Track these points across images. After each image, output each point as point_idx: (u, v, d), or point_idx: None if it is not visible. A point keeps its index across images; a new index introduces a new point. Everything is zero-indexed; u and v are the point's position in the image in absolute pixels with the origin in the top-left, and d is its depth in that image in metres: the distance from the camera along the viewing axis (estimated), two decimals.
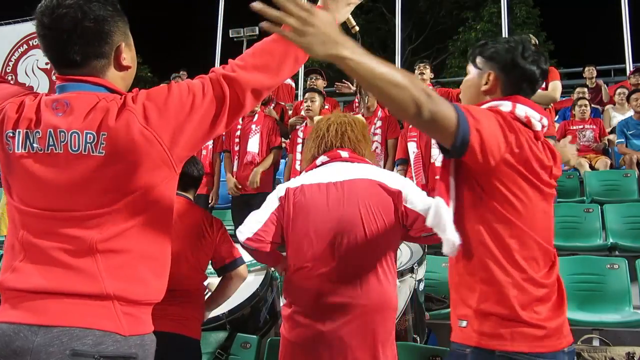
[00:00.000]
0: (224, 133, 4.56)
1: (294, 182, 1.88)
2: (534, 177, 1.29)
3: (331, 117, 2.00)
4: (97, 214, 1.07)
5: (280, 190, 1.89)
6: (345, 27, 1.31)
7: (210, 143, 4.48)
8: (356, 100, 4.50)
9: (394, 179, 1.82)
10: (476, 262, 1.31)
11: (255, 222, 1.83)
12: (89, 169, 1.07)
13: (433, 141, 3.94)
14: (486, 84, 1.43)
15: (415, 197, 1.76)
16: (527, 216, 1.29)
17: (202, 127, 1.14)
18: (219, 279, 2.32)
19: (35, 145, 1.10)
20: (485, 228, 1.29)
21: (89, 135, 1.07)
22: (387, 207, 1.75)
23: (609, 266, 3.15)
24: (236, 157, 4.36)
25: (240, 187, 4.25)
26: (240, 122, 4.48)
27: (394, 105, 1.13)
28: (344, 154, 1.87)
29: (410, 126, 4.14)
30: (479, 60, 1.47)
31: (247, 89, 1.15)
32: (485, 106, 1.34)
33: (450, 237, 1.27)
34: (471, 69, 1.50)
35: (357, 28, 1.49)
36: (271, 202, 1.87)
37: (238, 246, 2.43)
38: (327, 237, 1.71)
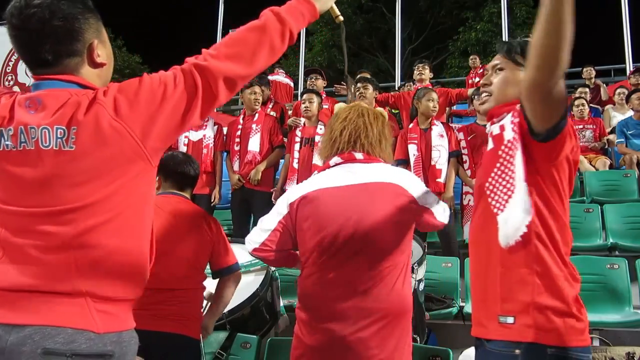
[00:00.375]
0: (224, 132, 4.57)
1: (306, 186, 1.82)
2: (572, 178, 1.34)
3: (348, 116, 1.88)
4: (71, 209, 1.06)
5: (290, 195, 1.83)
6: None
7: (211, 142, 4.48)
8: (356, 100, 4.50)
9: (410, 181, 1.80)
10: (532, 254, 1.27)
11: (262, 232, 1.80)
12: (60, 164, 1.06)
13: (433, 144, 3.95)
14: None
15: (428, 197, 1.80)
16: (566, 213, 1.33)
17: (174, 118, 1.12)
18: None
19: (8, 143, 1.09)
20: (540, 219, 1.28)
21: (59, 130, 1.06)
22: (404, 209, 1.73)
23: (609, 266, 3.15)
24: (237, 156, 4.37)
25: (242, 182, 4.26)
26: (241, 121, 4.48)
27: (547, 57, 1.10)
28: (358, 155, 1.81)
29: (411, 126, 4.15)
30: (523, 60, 1.43)
31: (219, 78, 1.14)
32: None
33: (516, 225, 1.24)
34: (510, 65, 1.46)
35: (341, 18, 1.47)
36: (280, 208, 1.82)
37: (234, 247, 2.44)
38: (344, 242, 1.68)
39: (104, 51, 1.21)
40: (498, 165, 1.30)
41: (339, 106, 1.99)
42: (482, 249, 1.37)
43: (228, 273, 2.30)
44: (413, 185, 1.78)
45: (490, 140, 1.39)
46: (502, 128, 1.34)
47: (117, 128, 1.07)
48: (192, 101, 1.13)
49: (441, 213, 1.84)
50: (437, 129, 4.01)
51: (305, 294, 1.75)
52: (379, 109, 1.97)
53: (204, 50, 1.18)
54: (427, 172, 3.91)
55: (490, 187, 1.31)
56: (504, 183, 1.29)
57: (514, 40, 1.51)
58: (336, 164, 1.83)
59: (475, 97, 4.16)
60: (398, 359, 1.66)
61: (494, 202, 1.30)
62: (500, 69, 1.48)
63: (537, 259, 1.27)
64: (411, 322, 1.75)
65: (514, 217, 1.24)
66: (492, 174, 1.32)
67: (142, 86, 1.11)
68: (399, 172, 1.85)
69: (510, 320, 1.26)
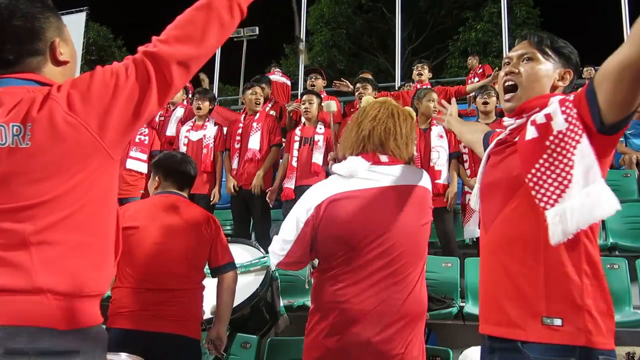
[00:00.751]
0: (226, 131, 4.57)
1: (331, 188, 1.73)
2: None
3: (377, 116, 1.80)
4: (29, 205, 1.05)
5: (314, 198, 1.73)
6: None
7: (211, 142, 4.48)
8: (357, 101, 4.50)
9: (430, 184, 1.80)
10: (581, 253, 1.21)
11: (284, 243, 1.74)
12: (18, 161, 1.05)
13: (432, 144, 3.95)
14: (561, 80, 1.41)
15: None
16: None
17: (129, 108, 1.10)
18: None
19: None
20: None
21: (15, 127, 1.06)
22: (427, 213, 1.74)
23: (609, 266, 3.15)
24: (236, 154, 4.36)
25: (237, 189, 4.25)
26: (242, 120, 4.49)
27: None
28: (383, 158, 1.76)
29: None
30: (552, 54, 1.41)
31: (171, 62, 1.12)
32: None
33: (579, 222, 1.15)
34: (540, 58, 1.41)
35: (301, 46, 1.43)
36: (299, 215, 1.72)
37: (234, 247, 2.43)
38: (371, 246, 1.65)
39: (66, 49, 1.20)
40: (545, 156, 1.20)
41: (367, 100, 1.91)
42: (515, 246, 1.27)
43: (225, 271, 2.30)
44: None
45: (531, 129, 1.27)
46: (548, 117, 1.23)
47: (71, 123, 1.06)
48: (146, 90, 1.11)
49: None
50: (437, 130, 4.01)
51: (327, 296, 1.69)
52: (408, 108, 1.90)
53: (153, 37, 1.16)
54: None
55: (535, 180, 1.20)
56: (553, 176, 1.19)
57: (542, 32, 1.47)
58: None
59: (479, 95, 4.15)
60: (420, 357, 1.68)
61: (539, 196, 1.19)
62: (529, 59, 1.41)
63: (587, 258, 1.21)
64: (424, 323, 1.76)
65: (575, 212, 1.14)
66: (538, 165, 1.21)
67: (93, 79, 1.09)
68: (424, 174, 1.81)
69: (558, 322, 1.18)
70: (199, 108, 4.55)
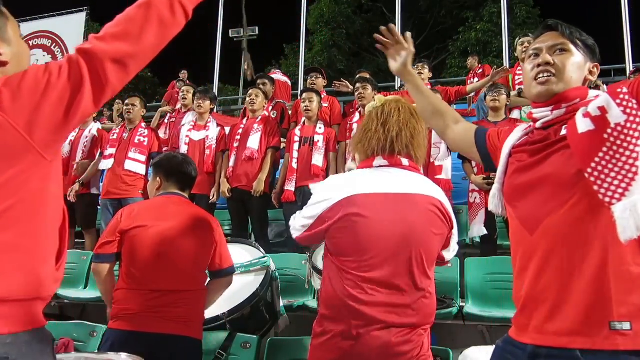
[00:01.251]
0: (228, 132, 4.56)
1: (350, 187, 1.70)
2: None
3: (401, 117, 1.79)
4: None
5: (333, 193, 1.71)
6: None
7: (214, 143, 4.48)
8: (357, 101, 4.49)
9: (447, 202, 1.77)
10: None
11: (305, 219, 1.75)
12: None
13: (434, 140, 3.94)
14: (591, 74, 1.37)
15: (455, 225, 1.80)
16: None
17: (60, 108, 1.06)
18: None
19: None
20: None
21: None
22: (443, 226, 1.73)
23: None
24: (234, 152, 4.33)
25: (230, 194, 4.24)
26: (244, 122, 4.48)
27: None
28: (405, 161, 1.76)
29: None
30: (582, 46, 1.35)
31: (105, 60, 1.09)
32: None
33: None
34: (574, 50, 1.35)
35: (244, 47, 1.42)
36: (320, 201, 1.73)
37: (234, 247, 2.43)
38: (388, 253, 1.64)
39: (8, 49, 1.17)
40: (605, 149, 1.13)
41: (380, 98, 1.88)
42: (576, 247, 1.17)
43: (224, 275, 2.31)
44: (449, 207, 1.77)
45: (585, 121, 1.19)
46: (602, 110, 1.15)
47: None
48: (78, 89, 1.08)
49: (454, 249, 1.84)
50: None
51: (340, 299, 1.65)
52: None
53: (91, 35, 1.14)
54: (427, 168, 3.88)
55: (596, 174, 1.13)
56: (617, 169, 1.11)
57: (569, 26, 1.39)
58: (380, 166, 1.77)
59: (489, 93, 4.13)
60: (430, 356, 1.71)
61: (603, 190, 1.11)
62: (563, 50, 1.34)
63: None
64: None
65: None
66: (598, 159, 1.13)
67: (26, 77, 1.06)
68: (440, 190, 1.80)
69: (627, 326, 1.09)
70: (199, 107, 4.57)
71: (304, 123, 4.38)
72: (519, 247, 1.31)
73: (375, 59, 18.90)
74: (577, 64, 1.34)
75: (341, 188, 1.71)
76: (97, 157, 4.68)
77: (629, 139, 1.11)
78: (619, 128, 1.12)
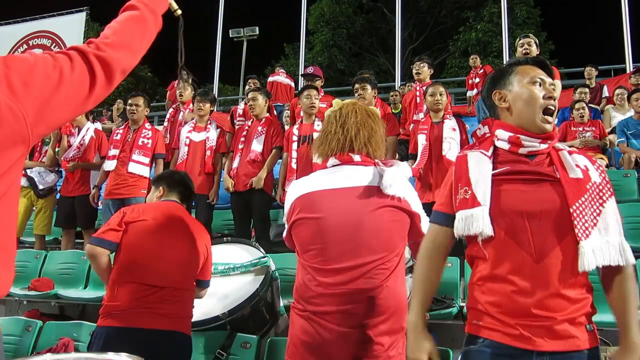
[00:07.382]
0: (228, 135, 4.58)
1: (302, 186, 1.87)
2: None
3: (357, 116, 1.90)
4: None
5: (290, 194, 1.89)
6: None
7: (214, 144, 4.51)
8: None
9: (404, 187, 1.82)
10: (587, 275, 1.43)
11: (285, 224, 1.90)
12: None
13: (445, 135, 3.95)
14: None
15: (419, 203, 1.85)
16: None
17: (69, 104, 1.02)
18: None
19: None
20: None
21: None
22: (397, 212, 1.78)
23: None
24: (238, 154, 4.35)
25: (233, 190, 4.26)
26: (249, 124, 4.49)
27: None
28: (357, 157, 1.85)
29: (423, 120, 4.19)
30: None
31: (117, 70, 1.09)
32: None
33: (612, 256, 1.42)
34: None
35: (179, 12, 1.43)
36: (286, 207, 1.91)
37: (234, 247, 2.43)
38: (342, 244, 1.72)
39: None
40: (586, 196, 1.40)
41: (337, 102, 2.00)
42: (573, 274, 1.41)
43: (205, 286, 2.41)
44: (407, 191, 1.81)
45: (577, 170, 1.44)
46: (586, 167, 1.44)
47: (13, 110, 0.93)
48: (90, 88, 1.04)
49: (425, 223, 1.85)
50: (450, 123, 4.02)
51: (310, 291, 1.75)
52: (373, 108, 2.00)
53: (95, 40, 1.11)
54: (438, 163, 3.90)
55: (578, 212, 1.39)
56: (589, 214, 1.39)
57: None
58: (333, 166, 1.87)
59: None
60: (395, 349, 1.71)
61: (579, 226, 1.37)
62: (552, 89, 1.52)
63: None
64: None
65: (610, 248, 1.42)
66: (580, 201, 1.39)
67: (35, 66, 0.99)
68: (395, 178, 1.84)
69: (590, 327, 1.39)
70: (200, 109, 4.59)
71: (301, 121, 4.34)
72: (505, 260, 1.48)
73: (376, 59, 18.91)
74: None
75: (298, 189, 1.86)
76: (97, 158, 4.69)
77: (603, 197, 1.43)
78: (597, 189, 1.42)
